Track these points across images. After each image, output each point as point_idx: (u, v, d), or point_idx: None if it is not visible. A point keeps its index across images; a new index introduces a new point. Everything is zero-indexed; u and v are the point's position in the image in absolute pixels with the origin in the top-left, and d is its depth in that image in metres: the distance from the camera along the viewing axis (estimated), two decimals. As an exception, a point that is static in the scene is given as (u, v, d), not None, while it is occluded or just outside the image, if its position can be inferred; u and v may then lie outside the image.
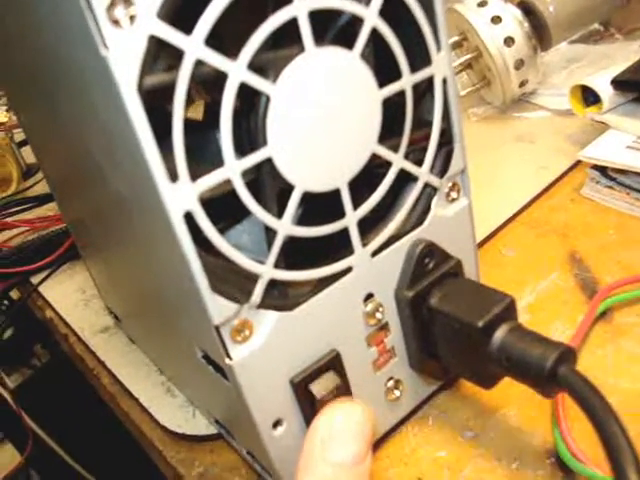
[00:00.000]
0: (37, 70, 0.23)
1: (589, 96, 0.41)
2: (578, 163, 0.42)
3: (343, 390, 0.23)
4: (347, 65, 0.20)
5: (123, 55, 0.16)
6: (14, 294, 0.47)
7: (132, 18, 0.16)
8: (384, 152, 0.22)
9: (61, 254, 0.43)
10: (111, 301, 0.37)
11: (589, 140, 0.40)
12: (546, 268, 0.34)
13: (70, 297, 0.41)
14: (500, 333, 0.22)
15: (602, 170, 0.38)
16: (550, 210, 0.39)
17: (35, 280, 0.43)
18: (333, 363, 0.23)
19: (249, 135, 0.19)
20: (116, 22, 0.16)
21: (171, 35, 0.16)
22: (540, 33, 0.48)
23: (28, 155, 0.62)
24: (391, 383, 0.25)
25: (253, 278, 0.20)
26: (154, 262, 0.23)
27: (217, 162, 0.18)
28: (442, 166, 0.24)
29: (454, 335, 0.24)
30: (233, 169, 0.18)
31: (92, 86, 0.18)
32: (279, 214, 0.20)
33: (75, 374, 0.40)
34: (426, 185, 0.24)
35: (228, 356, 0.20)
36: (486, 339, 0.22)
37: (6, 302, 0.49)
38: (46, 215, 0.50)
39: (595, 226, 0.37)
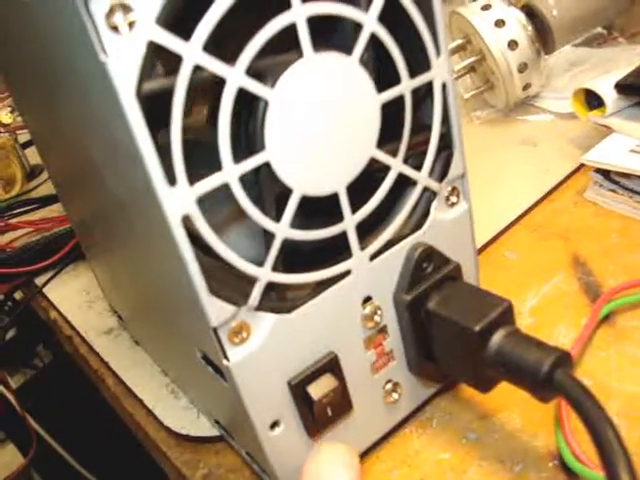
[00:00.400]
0: (40, 72, 0.23)
1: (592, 100, 0.41)
2: (581, 166, 0.41)
3: (340, 392, 0.23)
4: (346, 70, 0.20)
5: (122, 61, 0.16)
6: (17, 295, 0.47)
7: (131, 24, 0.16)
8: (383, 156, 0.22)
9: (65, 255, 0.43)
10: (115, 302, 0.37)
11: (592, 143, 0.40)
12: (549, 271, 0.34)
13: (74, 298, 0.41)
14: (497, 337, 0.22)
15: (605, 174, 0.38)
16: (553, 213, 0.39)
17: (39, 281, 0.44)
18: (331, 365, 0.23)
19: (247, 139, 0.19)
20: (115, 28, 0.16)
21: (170, 41, 0.17)
22: (544, 36, 0.47)
23: (32, 156, 0.62)
24: (389, 386, 0.25)
25: (251, 281, 0.20)
26: (154, 264, 0.23)
27: (215, 166, 0.19)
28: (441, 170, 0.24)
29: (452, 339, 0.24)
30: (231, 173, 0.19)
31: (92, 91, 0.18)
32: (277, 217, 0.20)
33: (78, 375, 0.40)
34: (425, 189, 0.24)
35: (226, 357, 0.21)
36: (483, 343, 0.22)
37: (10, 303, 0.49)
38: (50, 216, 0.51)
39: (598, 229, 0.37)
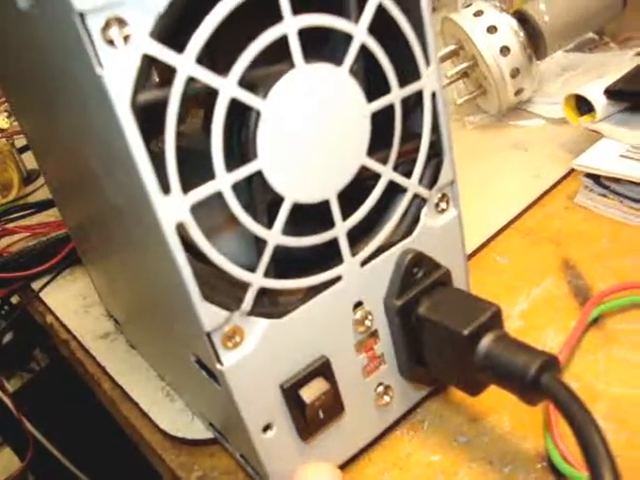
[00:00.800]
0: (38, 81, 0.24)
1: (583, 105, 0.42)
2: (572, 171, 0.42)
3: (332, 395, 0.24)
4: (336, 80, 0.21)
5: (117, 74, 0.17)
6: (13, 299, 0.48)
7: (126, 38, 0.17)
8: (373, 164, 0.22)
9: (61, 259, 0.44)
10: (111, 306, 0.37)
11: (583, 148, 0.40)
12: (540, 275, 0.35)
13: (71, 303, 0.42)
14: (485, 342, 0.23)
15: (596, 178, 0.38)
16: (544, 218, 0.40)
17: (36, 286, 0.44)
18: (323, 369, 0.23)
19: (240, 148, 0.20)
20: (111, 42, 0.16)
21: (164, 54, 0.17)
22: (535, 42, 0.48)
23: (28, 161, 0.62)
24: (380, 389, 0.26)
25: (244, 286, 0.21)
26: (149, 270, 0.23)
27: (208, 174, 0.19)
28: (431, 177, 0.25)
29: (441, 343, 0.24)
30: (224, 182, 0.19)
31: (88, 101, 0.19)
32: (269, 224, 0.21)
33: (74, 378, 0.41)
34: (415, 196, 0.25)
35: (219, 362, 0.21)
36: (472, 347, 0.23)
37: (6, 307, 0.49)
38: (47, 221, 0.51)
39: (588, 234, 0.37)
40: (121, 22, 0.16)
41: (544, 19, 0.48)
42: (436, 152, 0.25)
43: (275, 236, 0.21)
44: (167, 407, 0.31)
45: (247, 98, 0.19)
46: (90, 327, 0.39)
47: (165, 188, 0.18)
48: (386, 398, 0.26)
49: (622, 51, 0.52)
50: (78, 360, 0.38)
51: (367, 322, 0.24)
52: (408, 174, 0.24)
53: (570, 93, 0.42)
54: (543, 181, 0.42)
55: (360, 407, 0.25)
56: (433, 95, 0.23)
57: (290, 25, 0.19)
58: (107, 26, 0.16)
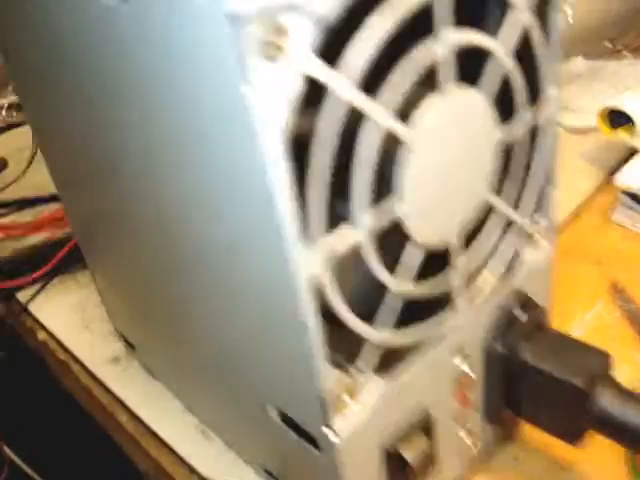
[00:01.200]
0: (121, 77, 0.19)
1: (616, 117, 0.41)
2: (603, 185, 0.41)
3: (431, 452, 0.21)
4: (476, 107, 0.18)
5: (269, 94, 0.13)
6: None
7: (283, 51, 0.13)
8: (496, 201, 0.20)
9: (52, 267, 0.38)
10: (125, 325, 0.33)
11: (605, 158, 0.39)
12: (588, 298, 0.34)
13: (67, 317, 0.36)
14: (600, 394, 0.21)
15: (633, 196, 0.37)
16: (579, 236, 0.38)
17: (21, 297, 0.38)
18: (424, 424, 0.21)
19: (382, 187, 0.16)
20: (266, 55, 0.13)
21: (325, 74, 0.14)
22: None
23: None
24: (467, 435, 0.24)
25: (359, 341, 0.18)
26: (236, 315, 0.20)
27: (336, 218, 0.16)
28: (535, 211, 0.23)
29: (547, 391, 0.22)
30: (364, 225, 0.16)
31: (214, 121, 0.15)
32: (392, 271, 0.18)
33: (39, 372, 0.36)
34: (520, 231, 0.22)
35: (329, 427, 0.18)
36: (585, 397, 0.21)
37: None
38: (20, 221, 0.45)
39: (629, 254, 0.36)
40: (280, 31, 0.13)
41: (568, 22, 0.46)
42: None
43: (404, 285, 0.18)
44: (203, 446, 0.28)
45: (399, 129, 0.16)
46: (95, 347, 0.34)
47: (305, 236, 0.15)
48: (472, 444, 0.24)
49: (637, 60, 0.51)
50: (83, 387, 0.33)
51: (465, 367, 0.22)
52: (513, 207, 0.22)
53: (606, 105, 0.41)
54: (573, 196, 0.40)
55: (449, 456, 0.23)
56: (551, 122, 0.21)
57: (447, 44, 0.16)
58: (263, 35, 0.13)
